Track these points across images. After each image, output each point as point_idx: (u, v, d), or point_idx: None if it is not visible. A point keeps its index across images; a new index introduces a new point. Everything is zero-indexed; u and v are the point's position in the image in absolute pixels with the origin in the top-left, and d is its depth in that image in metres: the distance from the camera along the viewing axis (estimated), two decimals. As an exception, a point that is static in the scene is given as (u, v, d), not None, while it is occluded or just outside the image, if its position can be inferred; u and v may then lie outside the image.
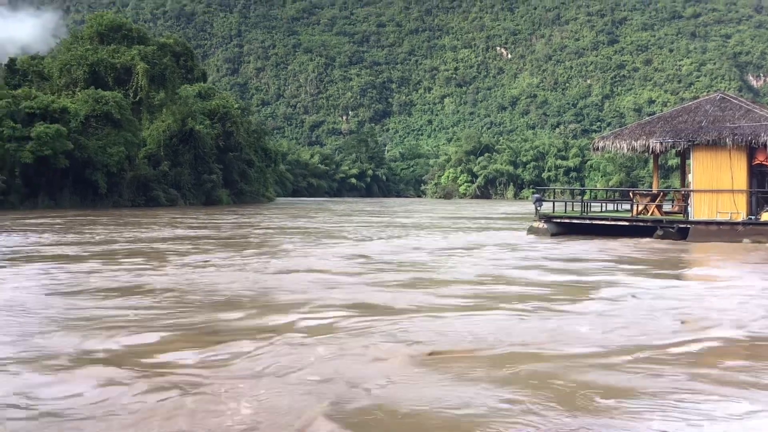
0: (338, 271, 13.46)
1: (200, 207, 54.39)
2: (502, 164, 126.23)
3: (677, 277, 13.85)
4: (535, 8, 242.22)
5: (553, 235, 24.58)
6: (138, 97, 52.97)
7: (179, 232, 24.86)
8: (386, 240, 22.27)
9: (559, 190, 53.96)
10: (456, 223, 32.45)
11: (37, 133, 41.67)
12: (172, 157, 57.62)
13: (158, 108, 56.88)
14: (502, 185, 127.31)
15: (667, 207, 27.34)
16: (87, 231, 23.93)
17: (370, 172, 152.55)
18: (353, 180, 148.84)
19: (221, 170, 63.81)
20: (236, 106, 74.42)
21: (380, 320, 8.27)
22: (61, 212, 39.06)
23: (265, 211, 45.67)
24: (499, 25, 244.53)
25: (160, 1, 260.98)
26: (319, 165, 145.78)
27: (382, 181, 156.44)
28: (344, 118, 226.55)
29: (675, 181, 68.46)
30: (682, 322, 8.58)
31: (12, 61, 57.99)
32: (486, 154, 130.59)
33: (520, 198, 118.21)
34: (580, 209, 26.80)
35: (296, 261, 15.64)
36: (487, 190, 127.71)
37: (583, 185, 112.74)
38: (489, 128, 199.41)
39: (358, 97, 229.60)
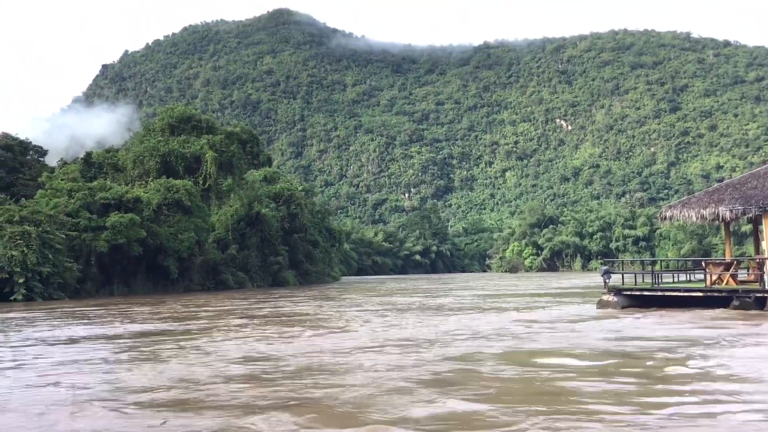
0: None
1: (268, 289, 55.03)
2: (567, 236, 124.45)
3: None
4: (593, 80, 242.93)
5: (624, 308, 23.80)
6: (207, 184, 54.71)
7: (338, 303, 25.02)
8: (464, 315, 21.96)
9: (628, 261, 52.69)
10: (523, 297, 31.45)
11: (111, 222, 43.30)
12: (239, 240, 58.89)
13: (226, 193, 58.58)
14: (568, 257, 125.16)
15: (742, 276, 26.25)
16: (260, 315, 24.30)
17: (434, 248, 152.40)
18: (417, 257, 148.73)
19: (287, 252, 64.76)
20: (300, 188, 76.13)
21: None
22: (140, 298, 40.03)
23: (353, 294, 45.61)
24: (557, 97, 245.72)
25: (228, 92, 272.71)
26: (383, 243, 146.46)
27: (447, 257, 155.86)
28: (406, 195, 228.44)
29: (749, 248, 65.92)
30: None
31: (88, 155, 60.99)
32: (551, 226, 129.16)
33: (588, 269, 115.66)
34: (650, 281, 25.96)
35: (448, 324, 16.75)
36: (553, 263, 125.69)
37: (653, 255, 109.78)
38: (552, 200, 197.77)
39: (420, 174, 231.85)
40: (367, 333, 16.70)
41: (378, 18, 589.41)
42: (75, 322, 22.71)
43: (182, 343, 15.37)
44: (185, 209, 49.48)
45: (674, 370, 10.55)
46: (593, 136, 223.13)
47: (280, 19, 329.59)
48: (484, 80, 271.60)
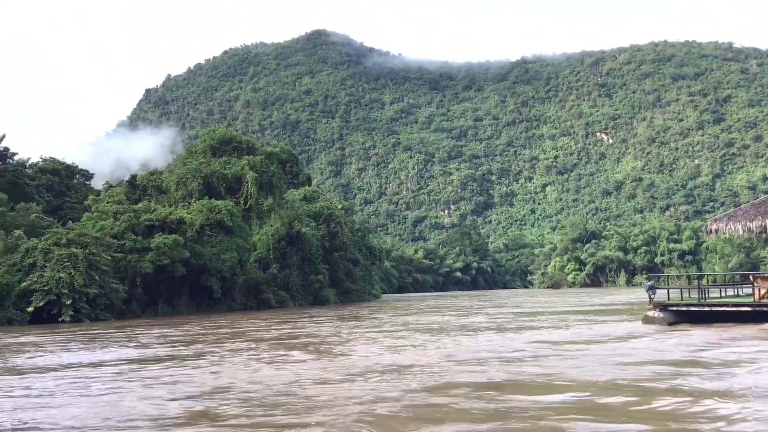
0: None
1: (308, 307, 55.27)
2: (611, 250, 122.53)
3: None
4: (634, 92, 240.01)
5: (670, 324, 23.32)
6: (248, 204, 55.34)
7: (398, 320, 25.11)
8: (500, 332, 21.59)
9: (674, 276, 51.66)
10: (559, 315, 30.64)
11: (156, 243, 44.02)
12: (280, 259, 59.32)
13: (267, 213, 59.16)
14: (612, 272, 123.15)
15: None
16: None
17: (474, 264, 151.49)
18: (458, 273, 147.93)
19: (327, 270, 64.98)
20: (340, 206, 76.44)
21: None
22: (185, 318, 40.57)
23: (401, 311, 45.47)
24: (597, 111, 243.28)
25: (267, 112, 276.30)
26: (424, 260, 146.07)
27: (488, 273, 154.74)
28: (446, 212, 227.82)
29: (802, 261, 64.15)
30: None
31: (133, 177, 62.28)
32: (593, 241, 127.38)
33: (632, 284, 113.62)
34: (697, 296, 25.39)
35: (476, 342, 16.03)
36: (597, 278, 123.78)
37: (700, 269, 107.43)
38: (594, 214, 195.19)
39: (459, 191, 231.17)
40: (363, 359, 15.80)
41: (414, 36, 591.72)
42: (76, 346, 21.96)
43: (157, 372, 14.65)
44: (227, 229, 50.08)
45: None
46: (635, 149, 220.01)
47: (317, 40, 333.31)
48: (522, 95, 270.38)
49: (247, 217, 55.42)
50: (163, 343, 21.97)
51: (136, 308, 44.39)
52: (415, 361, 14.75)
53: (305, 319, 33.92)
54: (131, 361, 17.01)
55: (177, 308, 47.07)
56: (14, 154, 62.23)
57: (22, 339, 25.77)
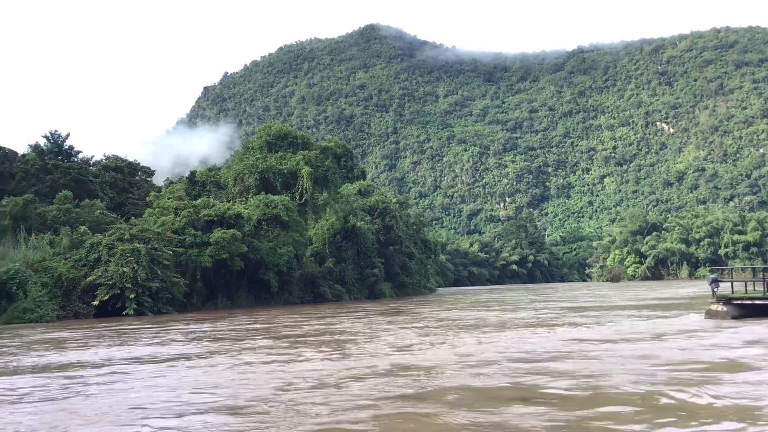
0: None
1: (364, 301, 55.58)
2: (672, 243, 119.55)
3: None
4: (695, 80, 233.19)
5: (734, 317, 22.68)
6: (303, 199, 55.96)
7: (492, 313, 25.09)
8: (573, 327, 21.04)
9: (738, 268, 50.13)
10: (612, 309, 29.54)
11: (215, 238, 44.89)
12: (336, 253, 59.79)
13: (322, 208, 59.69)
14: (674, 265, 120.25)
15: None
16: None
17: (531, 257, 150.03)
18: (514, 266, 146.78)
19: (382, 264, 65.20)
20: (395, 200, 76.57)
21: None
22: (246, 311, 41.33)
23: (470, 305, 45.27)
24: (657, 100, 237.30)
25: (322, 107, 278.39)
26: (479, 253, 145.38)
27: (544, 266, 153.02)
28: (501, 204, 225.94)
29: None
30: None
31: (192, 174, 63.62)
32: (654, 233, 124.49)
33: (695, 277, 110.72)
34: (762, 289, 24.57)
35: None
36: (657, 271, 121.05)
37: (765, 261, 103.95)
38: (655, 206, 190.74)
39: (515, 183, 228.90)
40: (368, 359, 14.41)
41: (467, 28, 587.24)
42: (103, 342, 21.11)
43: (152, 370, 13.73)
44: (283, 224, 50.71)
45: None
46: (697, 138, 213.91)
47: (370, 34, 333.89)
48: (579, 85, 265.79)
49: (302, 212, 56.01)
50: (190, 340, 21.17)
51: (197, 301, 45.35)
52: (420, 362, 13.49)
53: (348, 314, 33.31)
54: (137, 360, 15.86)
55: (236, 301, 47.92)
56: (79, 152, 64.33)
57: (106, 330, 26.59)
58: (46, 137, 61.59)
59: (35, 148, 60.52)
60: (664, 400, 9.09)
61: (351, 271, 60.59)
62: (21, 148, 75.97)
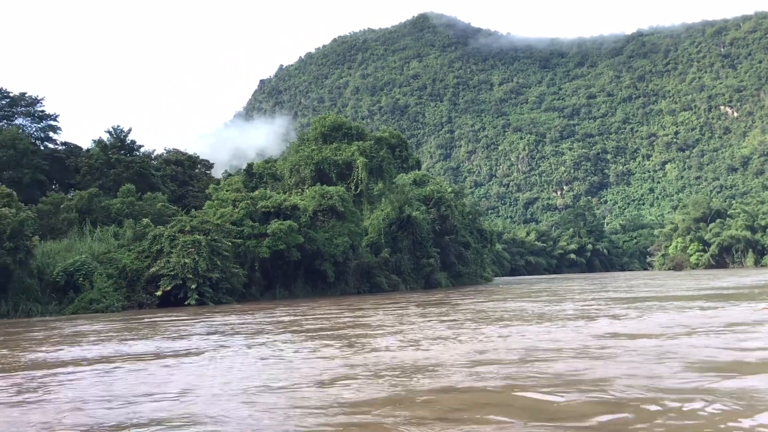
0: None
1: (420, 291, 55.59)
2: (737, 230, 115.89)
3: None
4: (760, 62, 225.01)
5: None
6: (359, 190, 56.17)
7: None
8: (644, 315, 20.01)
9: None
10: (666, 300, 27.76)
11: (272, 229, 45.50)
12: (391, 244, 59.92)
13: (377, 198, 59.82)
14: (739, 252, 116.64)
15: None
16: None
17: (589, 246, 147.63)
18: (572, 255, 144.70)
19: (438, 254, 65.06)
20: (450, 190, 76.24)
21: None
22: (302, 301, 41.85)
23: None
24: (720, 83, 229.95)
25: (376, 98, 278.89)
26: (536, 242, 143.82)
27: (604, 255, 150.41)
28: (559, 192, 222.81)
29: None
30: None
31: (249, 166, 64.57)
32: (718, 220, 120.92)
33: (762, 265, 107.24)
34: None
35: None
36: (722, 259, 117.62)
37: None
38: (719, 192, 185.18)
39: (572, 171, 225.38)
40: (372, 356, 12.77)
41: (522, 14, 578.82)
42: (131, 336, 19.81)
43: (129, 367, 12.44)
44: (339, 215, 51.06)
45: None
46: (762, 122, 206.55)
47: (424, 23, 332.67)
48: (638, 69, 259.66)
49: (358, 202, 56.24)
50: (196, 334, 19.50)
51: (256, 291, 46.10)
52: (420, 360, 11.95)
53: (390, 305, 31.96)
54: (137, 357, 14.36)
55: (293, 291, 48.53)
56: (140, 146, 65.86)
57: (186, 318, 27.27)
58: (109, 132, 63.30)
59: (99, 143, 62.27)
60: (653, 408, 7.54)
61: (407, 261, 60.65)
62: (85, 144, 78.44)
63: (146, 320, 26.52)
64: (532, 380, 9.52)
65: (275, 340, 16.68)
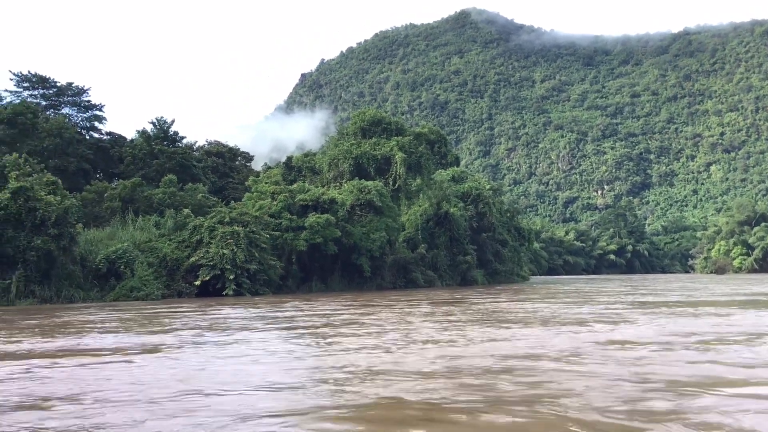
0: None
1: (455, 288, 55.44)
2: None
3: None
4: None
5: None
6: (397, 185, 56.18)
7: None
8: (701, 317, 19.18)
9: None
10: (697, 306, 25.81)
11: (310, 222, 45.76)
12: (428, 239, 59.83)
13: (415, 193, 59.77)
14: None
15: None
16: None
17: (630, 247, 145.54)
18: (612, 256, 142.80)
19: (475, 251, 64.78)
20: (488, 187, 75.80)
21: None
22: (337, 294, 42.08)
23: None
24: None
25: (416, 93, 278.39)
26: (575, 242, 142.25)
27: (644, 257, 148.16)
28: (599, 192, 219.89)
29: None
30: None
31: (289, 159, 65.03)
32: (763, 224, 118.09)
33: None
34: None
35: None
36: (766, 263, 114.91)
37: None
38: (764, 195, 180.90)
39: (614, 171, 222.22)
40: (332, 358, 11.69)
41: (565, 11, 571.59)
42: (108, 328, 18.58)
43: (62, 362, 11.47)
44: (376, 209, 51.15)
45: None
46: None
47: (466, 19, 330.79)
48: (684, 69, 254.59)
49: (395, 198, 56.28)
50: (185, 328, 18.63)
51: (292, 284, 46.45)
52: (381, 365, 10.79)
53: (405, 301, 30.64)
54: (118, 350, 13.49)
55: (330, 285, 48.77)
56: (183, 137, 66.77)
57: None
58: (153, 123, 64.27)
59: (143, 133, 63.29)
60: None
61: (443, 258, 60.52)
62: (129, 134, 79.82)
63: (148, 311, 26.67)
64: (475, 394, 8.37)
65: (250, 339, 15.45)
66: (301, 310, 25.87)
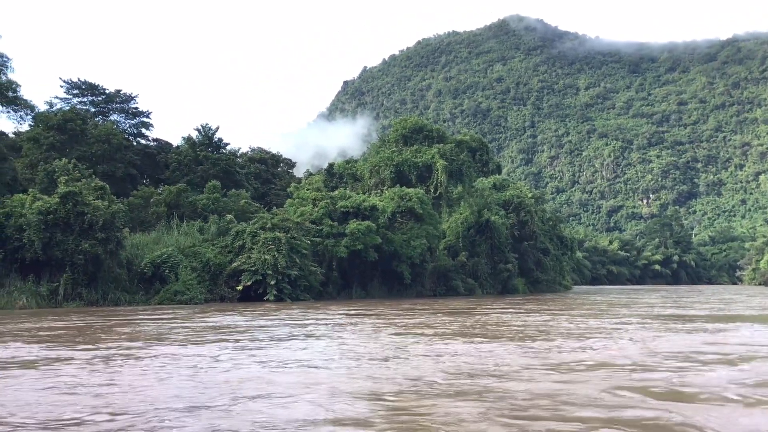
0: None
1: (496, 296, 54.99)
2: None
3: None
4: None
5: None
6: (438, 192, 56.11)
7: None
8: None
9: None
10: (749, 318, 23.92)
11: (350, 229, 45.95)
12: (469, 247, 59.52)
13: (456, 201, 59.59)
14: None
15: None
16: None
17: (675, 257, 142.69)
18: (657, 266, 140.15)
19: (516, 259, 64.22)
20: (530, 195, 75.14)
21: None
22: (377, 301, 42.10)
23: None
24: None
25: (458, 101, 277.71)
26: (619, 251, 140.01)
27: (691, 267, 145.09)
28: (644, 201, 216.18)
29: None
30: None
31: (330, 166, 65.48)
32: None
33: None
34: None
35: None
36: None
37: None
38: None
39: (659, 179, 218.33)
40: (251, 370, 10.60)
41: (610, 17, 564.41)
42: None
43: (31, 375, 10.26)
44: (417, 217, 51.11)
45: None
46: None
47: (509, 26, 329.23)
48: (733, 76, 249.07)
49: (436, 205, 56.18)
50: (179, 335, 17.51)
51: (332, 290, 46.63)
52: (311, 381, 9.82)
53: (423, 311, 28.44)
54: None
55: (370, 292, 48.85)
56: (227, 144, 67.61)
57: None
58: (198, 130, 65.29)
59: (188, 140, 64.32)
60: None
61: (484, 266, 60.11)
62: (175, 140, 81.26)
63: (159, 316, 26.97)
64: (399, 417, 7.32)
65: (235, 346, 14.22)
66: (308, 319, 24.40)
